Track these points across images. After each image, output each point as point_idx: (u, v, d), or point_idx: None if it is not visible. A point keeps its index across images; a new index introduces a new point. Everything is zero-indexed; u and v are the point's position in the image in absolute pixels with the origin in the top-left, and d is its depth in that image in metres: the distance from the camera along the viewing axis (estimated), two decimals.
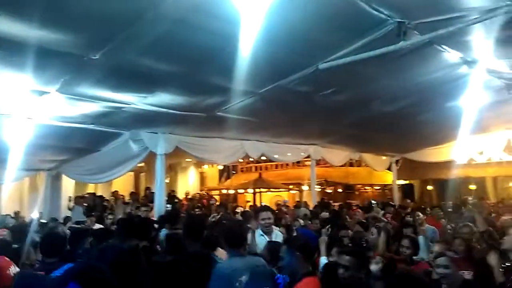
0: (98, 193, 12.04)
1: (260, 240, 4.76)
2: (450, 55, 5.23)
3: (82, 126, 6.60)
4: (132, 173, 14.45)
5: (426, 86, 6.25)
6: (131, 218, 5.99)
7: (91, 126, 6.68)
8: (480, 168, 12.87)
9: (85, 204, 9.98)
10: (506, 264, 3.43)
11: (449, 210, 8.47)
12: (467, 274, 3.59)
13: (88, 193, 11.80)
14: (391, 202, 11.98)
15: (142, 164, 11.83)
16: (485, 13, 3.88)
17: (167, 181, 14.43)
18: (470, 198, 6.78)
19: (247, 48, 4.11)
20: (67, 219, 8.39)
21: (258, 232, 4.95)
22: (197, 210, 8.31)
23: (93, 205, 10.53)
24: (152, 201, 8.09)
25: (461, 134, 9.29)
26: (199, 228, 4.04)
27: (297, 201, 14.54)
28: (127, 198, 12.30)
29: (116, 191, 12.97)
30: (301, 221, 7.74)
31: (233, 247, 3.37)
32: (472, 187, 14.13)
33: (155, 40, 3.94)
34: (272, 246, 4.04)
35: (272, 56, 4.57)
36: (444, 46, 4.94)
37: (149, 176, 13.02)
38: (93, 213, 8.28)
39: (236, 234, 3.41)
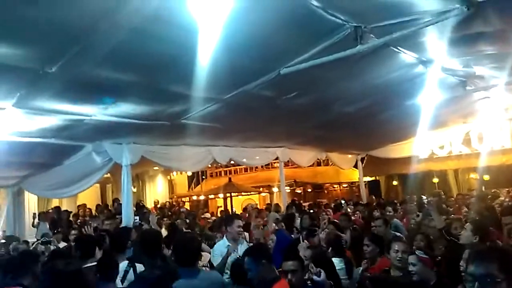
0: (63, 208, 11.67)
1: (225, 250, 4.79)
2: (406, 56, 5.39)
3: (42, 140, 6.39)
4: (98, 185, 14.12)
5: (385, 86, 6.42)
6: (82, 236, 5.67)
7: (51, 140, 6.47)
8: (441, 162, 13.35)
9: (46, 222, 9.62)
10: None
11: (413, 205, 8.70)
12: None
13: (52, 208, 11.43)
14: (361, 202, 12.19)
15: (108, 175, 11.58)
16: (436, 16, 4.03)
17: (134, 190, 14.24)
18: (424, 197, 6.94)
19: (207, 56, 4.13)
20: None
21: (225, 241, 4.98)
22: (164, 219, 8.14)
23: (58, 220, 10.20)
24: (120, 213, 7.91)
25: (421, 130, 9.65)
26: (154, 243, 3.87)
27: (268, 204, 14.60)
28: (94, 211, 12.01)
29: (84, 204, 12.64)
30: (273, 225, 7.78)
31: (184, 265, 3.20)
32: (435, 180, 14.64)
33: (112, 50, 3.85)
34: (234, 268, 3.81)
35: (233, 63, 4.57)
36: (400, 48, 5.09)
37: (115, 187, 12.76)
38: (58, 230, 8.01)
39: (187, 251, 3.25)
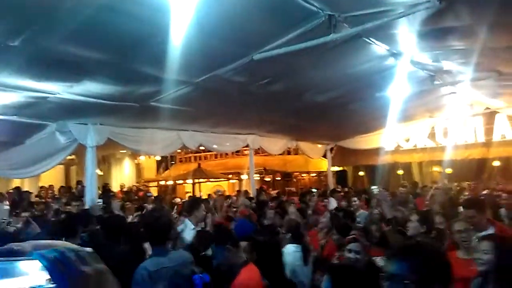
0: (25, 189, 11.30)
1: (192, 232, 4.77)
2: (378, 47, 5.45)
3: (3, 117, 6.12)
4: (62, 166, 13.74)
5: (356, 77, 6.48)
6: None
7: (13, 118, 6.22)
8: (406, 154, 13.70)
9: (6, 203, 9.28)
10: None
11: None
12: (380, 260, 3.69)
13: (12, 189, 11.05)
14: (338, 189, 12.26)
15: (73, 157, 11.27)
16: (408, 8, 4.07)
17: (100, 173, 13.92)
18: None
19: (179, 37, 4.03)
20: None
21: (189, 224, 4.96)
22: (127, 203, 7.97)
23: (20, 201, 9.87)
24: (83, 196, 7.71)
25: (389, 122, 9.85)
26: (118, 228, 3.80)
27: (238, 191, 14.60)
28: (57, 193, 11.69)
29: (51, 185, 12.29)
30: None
31: (155, 244, 3.17)
32: (400, 172, 15.01)
33: (79, 26, 3.71)
34: (201, 234, 3.94)
35: (205, 46, 4.50)
36: (372, 39, 5.14)
37: (80, 169, 12.43)
38: (17, 211, 7.73)
39: (157, 229, 3.18)
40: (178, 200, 12.42)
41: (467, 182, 12.04)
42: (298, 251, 4.39)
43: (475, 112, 11.90)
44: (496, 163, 13.01)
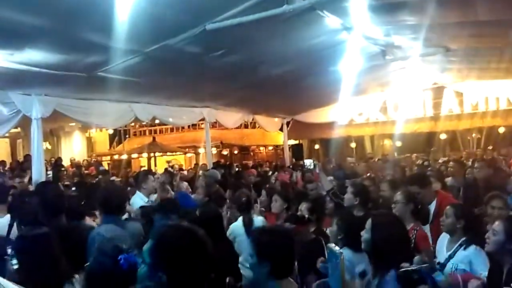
0: None
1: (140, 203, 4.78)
2: (331, 20, 5.46)
3: None
4: (7, 140, 13.09)
5: (309, 50, 6.49)
6: None
7: None
8: (359, 128, 14.13)
9: None
10: None
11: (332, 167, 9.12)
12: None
13: None
14: (301, 162, 12.30)
15: (18, 130, 10.73)
16: None
17: (48, 147, 13.38)
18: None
19: (127, 4, 3.85)
20: None
21: (139, 195, 4.94)
22: (76, 178, 7.73)
23: None
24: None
25: (342, 97, 10.04)
26: (58, 200, 3.72)
27: (195, 164, 14.56)
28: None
29: None
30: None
31: (109, 213, 3.18)
32: (353, 145, 15.48)
33: None
34: (144, 211, 3.97)
35: (156, 14, 4.31)
36: (325, 12, 5.12)
37: (26, 143, 11.88)
38: None
39: (112, 199, 3.22)
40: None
41: (415, 154, 12.58)
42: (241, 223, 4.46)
43: (424, 87, 12.35)
44: (443, 136, 13.69)
